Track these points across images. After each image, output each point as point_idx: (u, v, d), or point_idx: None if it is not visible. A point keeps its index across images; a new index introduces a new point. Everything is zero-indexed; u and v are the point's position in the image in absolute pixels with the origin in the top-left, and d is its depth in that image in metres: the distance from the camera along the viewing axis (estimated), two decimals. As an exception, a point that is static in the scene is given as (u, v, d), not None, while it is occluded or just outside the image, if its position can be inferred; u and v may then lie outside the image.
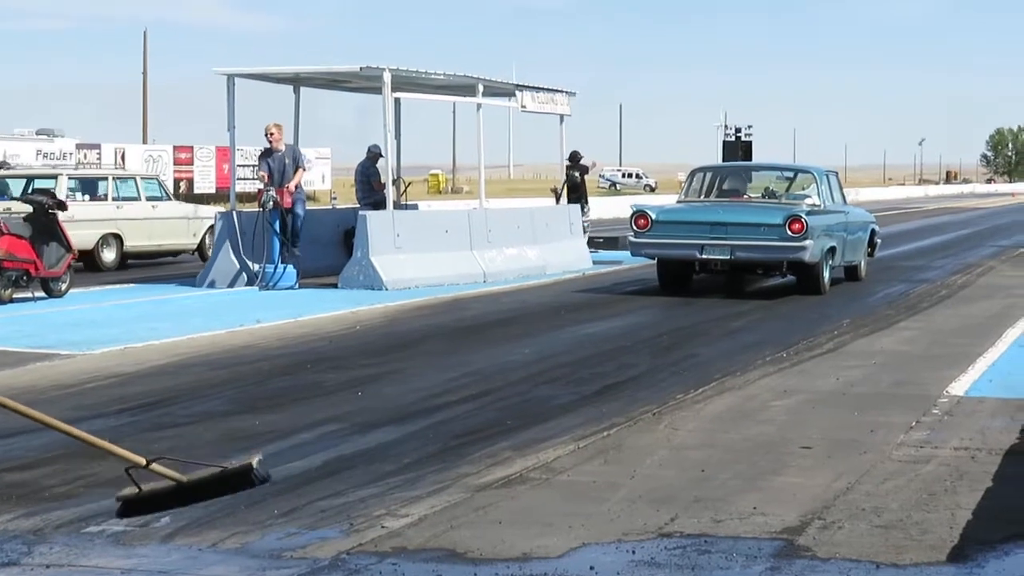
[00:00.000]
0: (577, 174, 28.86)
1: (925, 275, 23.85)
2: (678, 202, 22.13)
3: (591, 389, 11.53)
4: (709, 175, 22.62)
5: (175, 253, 28.01)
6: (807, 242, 19.54)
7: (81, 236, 23.64)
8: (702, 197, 21.79)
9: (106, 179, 26.98)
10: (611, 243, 30.24)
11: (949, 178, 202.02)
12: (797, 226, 19.48)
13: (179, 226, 27.43)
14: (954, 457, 8.72)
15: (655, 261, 21.14)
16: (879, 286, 21.62)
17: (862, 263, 23.05)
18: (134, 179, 27.53)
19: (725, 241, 19.85)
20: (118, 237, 26.04)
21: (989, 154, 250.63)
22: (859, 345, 14.48)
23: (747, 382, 11.87)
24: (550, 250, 24.60)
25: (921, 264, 26.59)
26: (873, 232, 23.71)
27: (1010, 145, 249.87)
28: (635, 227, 20.42)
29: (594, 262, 26.03)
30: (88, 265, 25.18)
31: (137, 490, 5.89)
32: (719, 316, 17.46)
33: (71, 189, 25.44)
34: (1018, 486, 7.97)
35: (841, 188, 22.97)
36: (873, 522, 7.11)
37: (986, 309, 18.16)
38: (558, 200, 27.49)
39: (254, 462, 5.83)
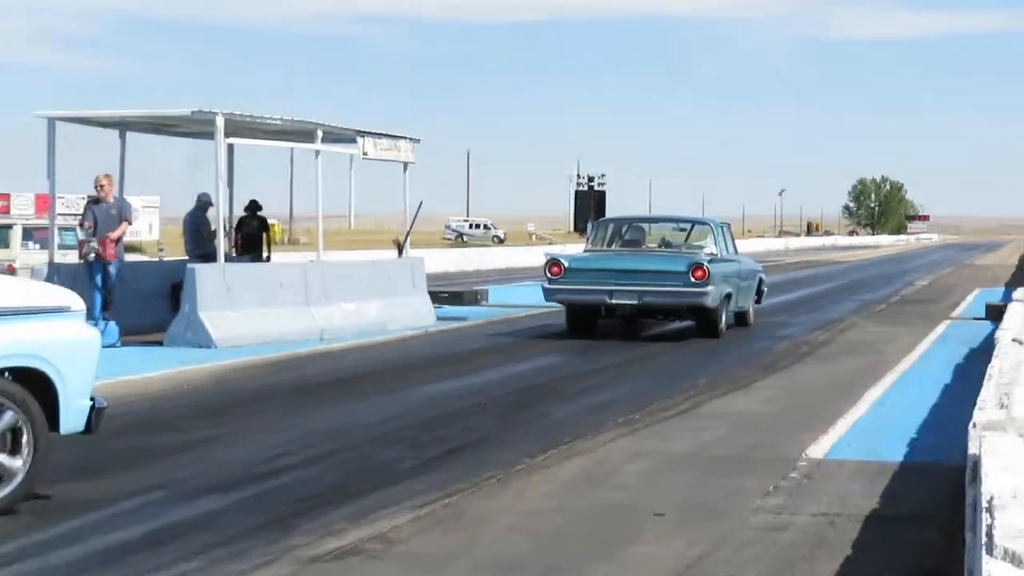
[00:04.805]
0: (256, 223, 27.75)
1: (785, 331, 24.17)
2: (585, 251, 24.03)
3: (435, 452, 11.49)
4: (612, 226, 25.04)
5: None
6: (709, 288, 21.75)
7: None
8: (605, 247, 23.72)
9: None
10: (456, 298, 30.23)
11: (810, 230, 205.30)
12: (700, 273, 21.70)
13: None
14: (813, 523, 8.81)
15: (564, 308, 23.08)
16: (737, 343, 21.87)
17: (751, 309, 25.12)
18: (75, 230, 28.46)
19: (633, 287, 22.00)
20: None
21: (851, 205, 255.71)
22: (715, 405, 14.61)
23: (599, 444, 11.91)
24: (392, 305, 24.51)
25: (782, 320, 26.92)
26: (760, 280, 25.85)
27: (873, 196, 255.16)
28: (549, 274, 22.56)
29: (438, 318, 25.99)
30: None
31: None
32: (572, 374, 17.53)
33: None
34: (878, 553, 8.06)
35: (733, 239, 25.19)
36: (728, 592, 7.15)
37: (848, 367, 18.43)
38: (400, 252, 27.31)
39: None
